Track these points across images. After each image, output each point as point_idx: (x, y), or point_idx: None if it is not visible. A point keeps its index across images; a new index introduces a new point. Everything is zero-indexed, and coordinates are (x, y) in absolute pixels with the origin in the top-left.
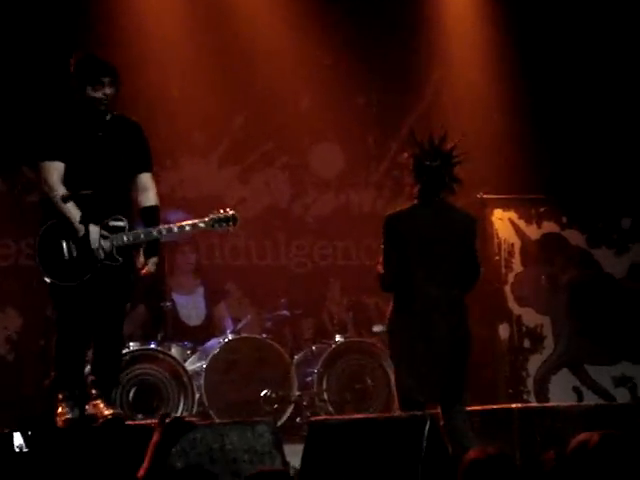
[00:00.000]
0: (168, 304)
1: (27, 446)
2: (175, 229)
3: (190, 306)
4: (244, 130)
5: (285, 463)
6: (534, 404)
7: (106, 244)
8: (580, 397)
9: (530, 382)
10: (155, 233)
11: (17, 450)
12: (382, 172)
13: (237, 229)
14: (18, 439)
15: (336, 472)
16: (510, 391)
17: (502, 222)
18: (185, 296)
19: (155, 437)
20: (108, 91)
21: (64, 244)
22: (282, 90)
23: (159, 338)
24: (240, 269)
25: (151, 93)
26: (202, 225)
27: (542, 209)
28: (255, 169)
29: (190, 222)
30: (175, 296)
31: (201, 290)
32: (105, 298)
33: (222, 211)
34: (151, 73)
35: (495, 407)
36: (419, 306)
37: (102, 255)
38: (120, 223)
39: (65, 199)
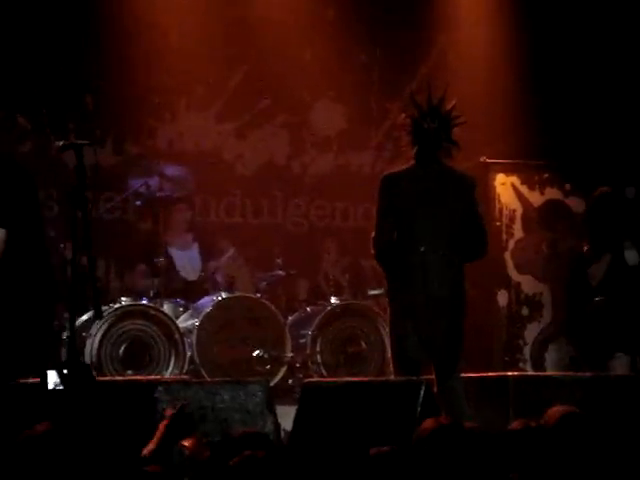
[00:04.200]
0: (161, 259)
1: (62, 384)
2: None
3: (186, 261)
4: (243, 85)
5: (277, 424)
6: (530, 372)
7: None
8: (577, 367)
9: (527, 350)
10: None
11: (52, 388)
12: (383, 133)
13: (233, 186)
14: (53, 378)
15: (328, 435)
16: (506, 359)
17: (504, 187)
18: (181, 251)
19: (167, 421)
20: None
21: None
22: (283, 46)
23: (151, 295)
24: (235, 227)
25: (150, 46)
26: None
27: (545, 175)
28: (254, 125)
29: None
30: (171, 250)
31: (196, 246)
32: None
33: None
34: (150, 27)
35: (491, 375)
36: (416, 268)
37: None
38: None
39: None
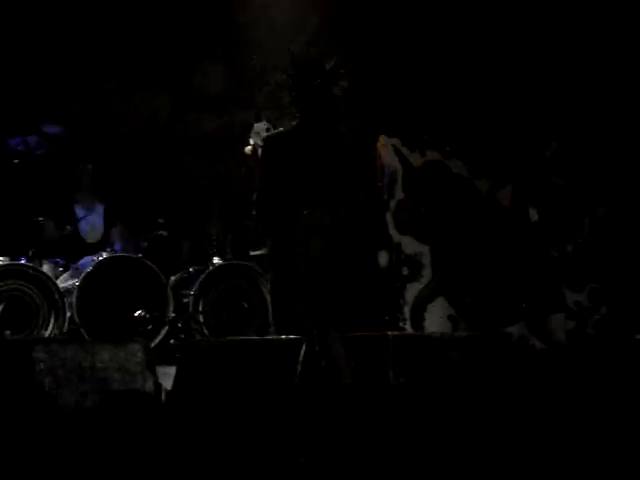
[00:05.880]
0: (69, 227)
1: None
2: None
3: (89, 222)
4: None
5: (157, 384)
6: (409, 332)
7: None
8: (455, 326)
9: (407, 310)
10: None
11: None
12: (266, 93)
13: (115, 145)
14: None
15: (209, 395)
16: (386, 318)
17: (385, 148)
18: (86, 211)
19: None
20: None
21: None
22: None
23: (30, 254)
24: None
25: None
26: None
27: (426, 137)
28: (137, 84)
29: None
30: (77, 209)
31: (101, 209)
32: None
33: None
34: None
35: (371, 334)
36: (300, 228)
37: None
38: None
39: None
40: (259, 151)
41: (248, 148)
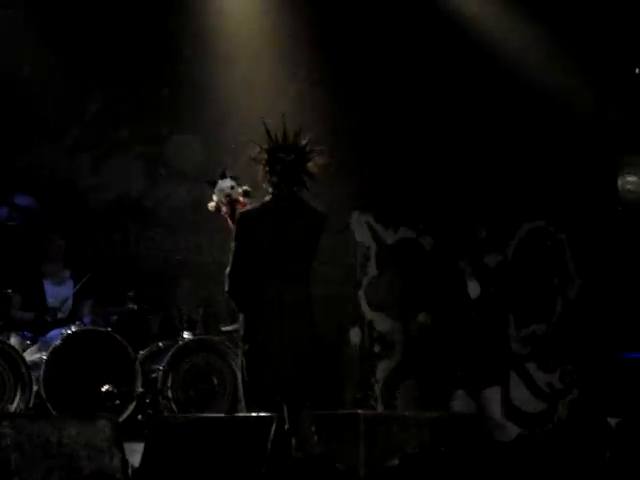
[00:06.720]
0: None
1: None
2: None
3: (59, 297)
4: (99, 115)
5: (124, 461)
6: (380, 411)
7: None
8: (427, 406)
9: (378, 388)
10: None
11: None
12: (240, 166)
13: (86, 218)
14: None
15: (176, 472)
16: (358, 396)
17: (359, 225)
18: (55, 286)
19: None
20: None
21: None
22: (138, 77)
23: None
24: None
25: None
26: None
27: (399, 214)
28: (108, 157)
29: None
30: (45, 284)
31: (71, 283)
32: None
33: None
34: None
35: (342, 412)
36: (270, 305)
37: None
38: None
39: None
40: (222, 208)
41: (211, 205)
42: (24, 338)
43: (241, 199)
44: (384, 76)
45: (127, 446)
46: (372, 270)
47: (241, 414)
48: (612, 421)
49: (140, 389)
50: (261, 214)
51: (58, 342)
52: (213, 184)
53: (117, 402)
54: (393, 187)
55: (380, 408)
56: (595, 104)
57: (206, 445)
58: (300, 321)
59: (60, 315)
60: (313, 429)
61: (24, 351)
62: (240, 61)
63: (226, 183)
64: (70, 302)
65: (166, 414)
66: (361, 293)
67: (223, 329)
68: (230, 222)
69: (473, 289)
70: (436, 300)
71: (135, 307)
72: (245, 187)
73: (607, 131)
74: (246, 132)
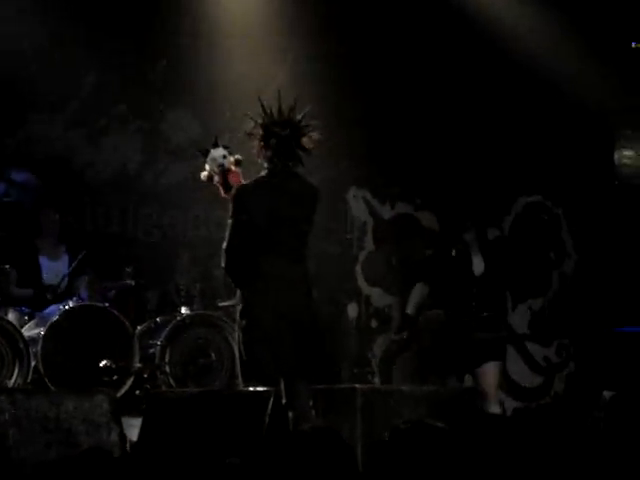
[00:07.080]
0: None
1: None
2: None
3: (55, 272)
4: (95, 90)
5: (122, 436)
6: (378, 385)
7: None
8: (424, 379)
9: (375, 363)
10: None
11: None
12: (237, 143)
13: (83, 194)
14: None
15: (174, 447)
16: (355, 371)
17: (356, 200)
18: (50, 261)
19: None
20: None
21: None
22: (135, 51)
23: None
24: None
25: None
26: None
27: (396, 189)
28: (105, 132)
29: None
30: (41, 259)
31: (66, 258)
32: None
33: None
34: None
35: (339, 387)
36: (267, 279)
37: None
38: None
39: None
40: (215, 178)
41: (204, 174)
42: (22, 314)
43: (233, 168)
44: (384, 54)
45: (125, 421)
46: (369, 245)
47: (239, 389)
48: (607, 394)
49: (138, 364)
50: (256, 189)
51: (56, 317)
52: (205, 153)
53: (115, 377)
54: (390, 163)
55: (377, 383)
56: (595, 83)
57: (204, 420)
58: (297, 295)
59: (58, 291)
60: (311, 403)
61: (22, 327)
62: (238, 36)
63: (218, 152)
64: (66, 279)
65: (164, 389)
66: (358, 268)
67: (220, 304)
68: (222, 191)
69: (477, 265)
70: (436, 277)
71: (132, 282)
72: (237, 156)
73: (603, 105)
74: (243, 108)
